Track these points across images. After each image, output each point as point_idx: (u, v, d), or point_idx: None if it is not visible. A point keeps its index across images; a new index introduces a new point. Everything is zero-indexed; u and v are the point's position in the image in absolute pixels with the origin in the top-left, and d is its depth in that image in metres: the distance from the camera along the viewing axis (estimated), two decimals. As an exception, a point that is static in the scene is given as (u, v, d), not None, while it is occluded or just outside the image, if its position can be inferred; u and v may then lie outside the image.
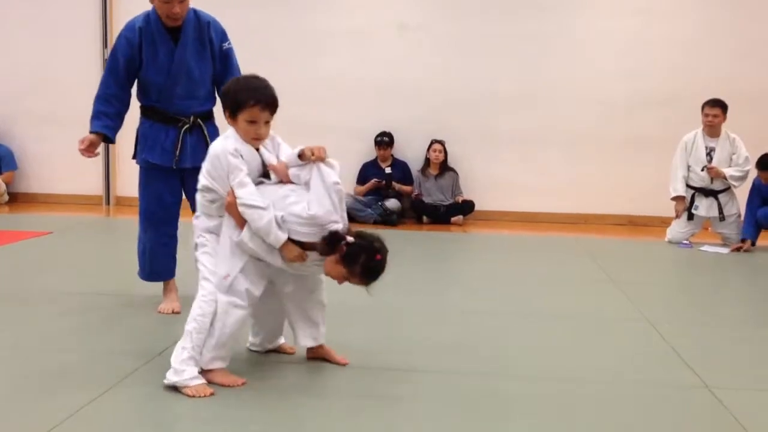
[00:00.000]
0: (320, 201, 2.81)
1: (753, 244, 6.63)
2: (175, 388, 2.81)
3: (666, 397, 2.97)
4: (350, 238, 2.81)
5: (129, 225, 7.57)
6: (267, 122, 2.94)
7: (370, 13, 8.19)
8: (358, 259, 2.80)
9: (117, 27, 8.34)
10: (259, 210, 2.80)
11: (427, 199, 7.87)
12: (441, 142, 7.97)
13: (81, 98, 8.72)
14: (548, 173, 8.13)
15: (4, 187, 8.29)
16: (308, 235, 2.81)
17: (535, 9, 8.01)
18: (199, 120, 3.93)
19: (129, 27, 3.84)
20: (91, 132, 3.83)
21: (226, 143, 2.91)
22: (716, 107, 6.73)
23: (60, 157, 8.55)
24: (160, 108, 3.89)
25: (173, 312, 3.92)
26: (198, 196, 3.01)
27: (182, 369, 2.81)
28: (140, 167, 4.00)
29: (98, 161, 8.45)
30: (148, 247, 4.01)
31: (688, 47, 7.88)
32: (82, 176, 8.47)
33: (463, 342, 3.59)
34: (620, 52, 7.96)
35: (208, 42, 3.89)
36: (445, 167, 8.03)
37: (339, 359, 3.19)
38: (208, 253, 2.95)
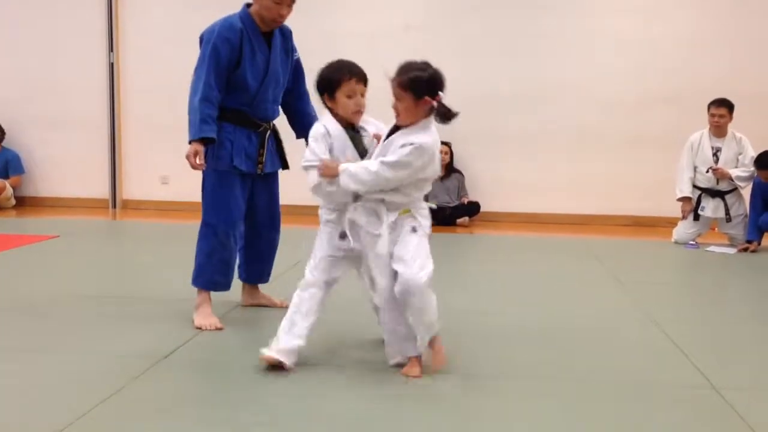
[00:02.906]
0: None
1: (759, 243, 6.61)
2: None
3: (672, 397, 2.96)
4: None
5: (135, 228, 7.63)
6: (363, 95, 3.16)
7: (377, 15, 8.19)
8: None
9: (122, 31, 8.49)
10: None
11: (432, 201, 7.87)
12: (447, 144, 7.97)
13: (87, 102, 8.89)
14: (553, 174, 8.14)
15: (11, 191, 8.34)
16: None
17: (538, 9, 8.02)
18: (275, 126, 3.88)
19: (228, 27, 3.62)
20: (201, 137, 3.54)
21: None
22: (722, 107, 6.69)
23: (66, 160, 8.61)
24: (246, 112, 3.74)
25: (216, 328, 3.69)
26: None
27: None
28: (214, 171, 3.70)
29: (104, 164, 8.52)
30: (233, 254, 3.80)
31: (691, 45, 7.88)
32: (89, 180, 8.52)
33: (466, 343, 3.59)
34: (623, 51, 7.96)
35: (291, 51, 3.86)
36: (450, 169, 8.04)
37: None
38: None
